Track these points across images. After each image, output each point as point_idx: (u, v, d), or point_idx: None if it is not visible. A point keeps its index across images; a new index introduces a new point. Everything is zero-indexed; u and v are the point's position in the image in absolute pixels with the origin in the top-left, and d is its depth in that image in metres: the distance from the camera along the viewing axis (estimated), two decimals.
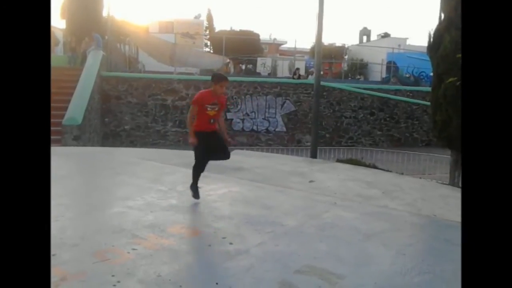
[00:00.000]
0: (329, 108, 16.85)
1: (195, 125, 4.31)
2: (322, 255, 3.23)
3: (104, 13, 19.20)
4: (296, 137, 16.67)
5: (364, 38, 39.08)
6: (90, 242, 3.25)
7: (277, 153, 11.33)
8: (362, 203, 4.89)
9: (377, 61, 27.46)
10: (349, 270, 2.98)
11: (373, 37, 39.00)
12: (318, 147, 9.73)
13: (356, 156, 11.10)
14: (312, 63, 22.66)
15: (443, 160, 9.92)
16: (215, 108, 4.27)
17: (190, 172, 4.55)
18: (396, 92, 18.31)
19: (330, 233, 3.76)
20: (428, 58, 8.82)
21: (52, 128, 6.52)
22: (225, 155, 4.43)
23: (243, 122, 16.28)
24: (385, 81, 24.65)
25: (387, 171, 8.02)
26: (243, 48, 27.49)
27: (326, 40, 36.70)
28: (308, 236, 3.66)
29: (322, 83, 12.10)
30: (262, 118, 16.48)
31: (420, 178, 8.52)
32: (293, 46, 26.50)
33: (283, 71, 26.01)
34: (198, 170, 4.44)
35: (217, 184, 4.95)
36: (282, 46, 37.68)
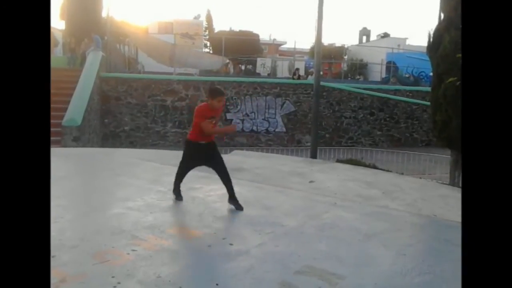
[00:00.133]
0: (328, 108, 16.86)
1: (193, 136, 4.35)
2: (322, 255, 3.22)
3: (104, 14, 19.23)
4: (296, 138, 16.67)
5: (364, 38, 39.11)
6: (90, 244, 3.24)
7: (277, 153, 11.32)
8: (362, 204, 4.89)
9: (376, 61, 27.48)
10: (349, 270, 2.97)
11: (373, 37, 39.04)
12: (318, 147, 9.74)
13: (356, 156, 11.10)
14: (311, 63, 22.69)
15: (443, 160, 9.92)
16: (212, 121, 4.31)
17: (190, 173, 4.57)
18: (395, 92, 18.33)
19: (330, 234, 3.75)
20: (427, 58, 8.82)
21: (51, 129, 6.51)
22: (219, 168, 4.37)
23: (242, 122, 16.28)
24: (384, 81, 24.68)
25: (387, 171, 8.01)
26: (243, 49, 27.49)
27: (326, 40, 36.75)
28: (308, 237, 3.65)
29: (321, 83, 12.11)
30: (262, 119, 16.48)
31: (420, 178, 8.52)
32: (293, 46, 26.48)
33: (283, 72, 26.03)
34: (178, 178, 4.57)
35: (217, 185, 4.93)
36: (282, 46, 37.70)
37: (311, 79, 17.78)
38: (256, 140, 16.26)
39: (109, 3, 25.53)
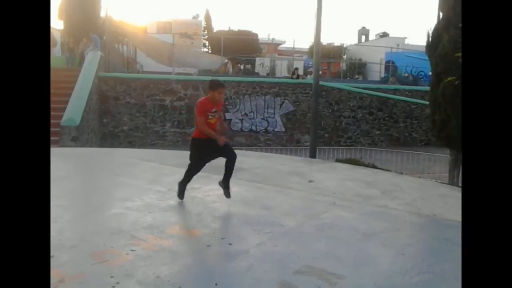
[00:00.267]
0: (328, 108, 16.85)
1: (196, 133, 4.35)
2: (322, 255, 3.22)
3: (102, 14, 19.21)
4: (295, 137, 16.66)
5: (363, 37, 39.08)
6: (89, 244, 3.24)
7: (276, 153, 11.32)
8: (362, 203, 4.89)
9: (375, 60, 27.48)
10: (349, 270, 2.97)
11: (372, 36, 39.01)
12: (317, 147, 9.73)
13: (355, 155, 11.10)
14: (310, 63, 22.70)
15: (442, 159, 9.93)
16: (215, 116, 4.30)
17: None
18: (395, 91, 18.33)
19: (329, 233, 3.75)
20: (426, 58, 8.83)
21: (50, 129, 6.50)
22: (230, 157, 4.39)
23: (241, 122, 16.27)
24: (383, 80, 24.69)
25: (386, 170, 8.02)
26: (242, 48, 27.48)
27: (325, 40, 36.65)
28: (308, 236, 3.65)
29: (320, 83, 12.10)
30: (261, 118, 16.47)
31: (419, 177, 8.52)
32: (292, 46, 26.47)
33: (282, 71, 26.02)
34: (190, 174, 4.46)
35: (216, 185, 4.92)
36: (281, 46, 37.69)
37: (310, 79, 17.80)
38: (255, 140, 16.25)
39: (108, 3, 25.49)
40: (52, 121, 8.71)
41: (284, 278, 2.77)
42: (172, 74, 18.54)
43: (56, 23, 21.20)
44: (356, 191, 5.52)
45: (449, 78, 6.80)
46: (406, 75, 25.93)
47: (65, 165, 6.48)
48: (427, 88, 12.97)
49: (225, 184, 4.41)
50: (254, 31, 36.83)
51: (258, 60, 26.44)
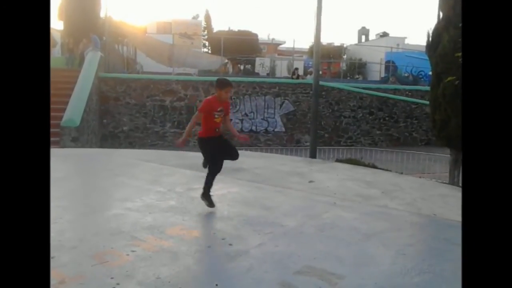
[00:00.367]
0: (328, 108, 16.85)
1: (202, 132, 4.26)
2: (322, 255, 3.22)
3: (102, 14, 19.22)
4: (295, 137, 16.66)
5: (363, 37, 39.08)
6: (89, 244, 3.23)
7: (276, 153, 11.32)
8: (362, 203, 4.88)
9: (375, 60, 27.49)
10: (349, 270, 2.97)
11: (372, 36, 39.02)
12: (317, 147, 9.73)
13: (355, 155, 11.10)
14: (310, 63, 22.70)
15: (442, 159, 9.92)
16: (221, 115, 4.24)
17: (188, 173, 4.54)
18: (395, 91, 18.33)
19: (329, 234, 3.75)
20: (426, 57, 8.82)
21: (50, 130, 6.50)
22: (234, 155, 4.40)
23: (242, 122, 16.28)
24: (384, 80, 24.69)
25: (387, 170, 8.01)
26: (242, 48, 27.50)
27: (325, 40, 36.69)
28: (308, 237, 3.65)
29: (320, 83, 12.10)
30: (261, 119, 16.47)
31: (420, 177, 8.52)
32: (292, 46, 26.47)
33: (282, 71, 26.04)
34: (214, 174, 4.28)
35: (216, 185, 4.92)
36: (281, 46, 37.70)
37: (310, 79, 17.79)
38: (255, 140, 16.25)
39: (108, 3, 25.53)
40: (52, 121, 8.73)
41: (284, 279, 2.77)
42: (172, 74, 18.55)
43: (56, 24, 21.24)
44: (357, 191, 5.52)
45: (449, 78, 6.79)
46: (406, 75, 25.93)
47: (65, 166, 6.48)
48: (427, 88, 12.97)
49: (205, 196, 4.31)
50: (254, 31, 36.93)
51: (258, 60, 26.44)
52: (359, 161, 9.05)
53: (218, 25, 68.69)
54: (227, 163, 4.44)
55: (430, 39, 8.18)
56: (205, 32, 37.49)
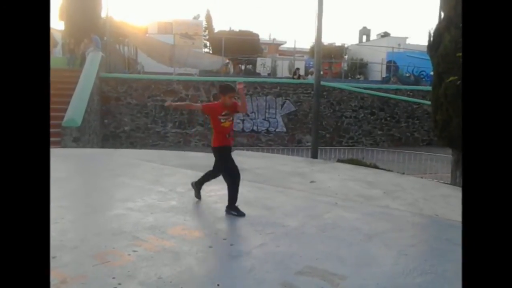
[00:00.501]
0: (329, 108, 16.84)
1: (216, 140, 4.26)
2: (324, 256, 3.21)
3: (103, 14, 19.22)
4: (296, 137, 16.65)
5: (364, 37, 39.05)
6: (90, 244, 3.23)
7: (278, 153, 11.32)
8: (363, 203, 4.88)
9: (377, 60, 27.45)
10: (351, 270, 2.96)
11: (373, 36, 38.97)
12: (319, 147, 9.72)
13: (356, 156, 11.09)
14: (311, 63, 22.67)
15: (444, 160, 9.91)
16: (228, 118, 4.23)
17: (189, 173, 4.55)
18: (396, 91, 18.30)
19: (331, 234, 3.74)
20: (428, 57, 8.81)
21: (51, 130, 6.51)
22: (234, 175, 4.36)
23: (243, 122, 16.26)
24: (385, 80, 24.64)
25: (388, 171, 8.00)
26: (243, 49, 27.49)
27: (326, 40, 36.76)
28: (309, 237, 3.64)
29: (322, 83, 12.09)
30: (262, 119, 16.46)
31: (422, 177, 8.50)
32: (293, 46, 26.38)
33: (283, 71, 26.01)
34: (237, 183, 4.30)
35: (218, 185, 4.92)
36: (282, 46, 37.68)
37: (311, 79, 17.77)
38: (256, 140, 16.24)
39: (108, 4, 25.56)
40: (53, 122, 8.75)
41: (286, 279, 2.77)
42: (173, 74, 18.55)
43: (57, 24, 21.27)
44: (358, 191, 5.51)
45: (450, 78, 6.78)
46: (407, 75, 25.88)
47: (67, 166, 6.48)
48: (429, 88, 12.93)
49: (197, 186, 4.55)
50: (255, 31, 36.85)
51: (259, 61, 26.41)
52: (360, 161, 9.04)
53: (219, 25, 68.63)
54: None
55: (432, 39, 8.17)
56: (206, 32, 37.49)
